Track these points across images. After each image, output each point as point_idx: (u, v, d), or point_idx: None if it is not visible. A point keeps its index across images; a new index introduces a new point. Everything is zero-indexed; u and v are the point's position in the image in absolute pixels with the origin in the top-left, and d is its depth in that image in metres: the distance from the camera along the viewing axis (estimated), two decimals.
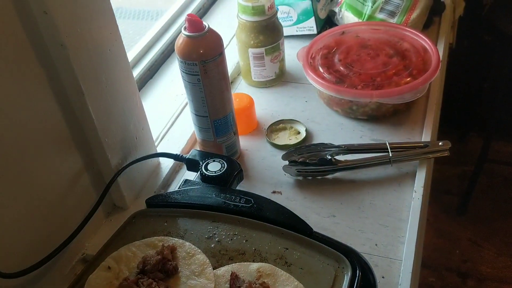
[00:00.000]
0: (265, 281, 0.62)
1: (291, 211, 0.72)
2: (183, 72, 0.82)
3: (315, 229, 0.70)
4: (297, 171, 0.91)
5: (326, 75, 1.04)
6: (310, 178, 0.92)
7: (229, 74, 1.14)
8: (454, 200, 2.19)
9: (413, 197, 0.84)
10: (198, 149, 0.95)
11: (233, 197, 0.75)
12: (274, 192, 0.90)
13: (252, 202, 0.74)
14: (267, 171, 0.95)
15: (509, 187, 2.20)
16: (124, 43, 0.78)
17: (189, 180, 0.83)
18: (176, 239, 0.70)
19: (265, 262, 0.66)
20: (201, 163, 0.83)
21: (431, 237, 2.07)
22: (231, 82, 1.21)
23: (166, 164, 0.95)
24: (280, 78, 1.18)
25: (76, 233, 0.73)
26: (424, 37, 1.08)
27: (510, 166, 2.29)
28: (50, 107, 0.69)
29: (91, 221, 0.79)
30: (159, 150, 0.96)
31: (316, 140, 1.00)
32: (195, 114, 0.88)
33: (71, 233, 0.73)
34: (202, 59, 0.79)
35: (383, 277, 0.72)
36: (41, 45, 0.65)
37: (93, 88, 0.72)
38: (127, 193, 0.85)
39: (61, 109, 0.71)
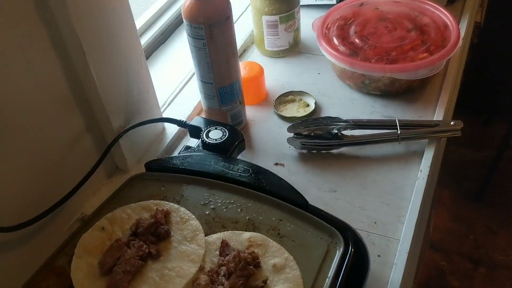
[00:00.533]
0: (255, 251, 0.62)
1: (289, 183, 0.71)
2: (189, 36, 0.81)
3: (314, 204, 0.69)
4: (302, 144, 0.89)
5: (340, 46, 1.01)
6: (314, 151, 0.90)
7: (243, 42, 1.13)
8: (473, 185, 2.14)
9: (418, 176, 0.81)
10: (204, 116, 0.94)
11: (232, 165, 0.74)
12: (276, 164, 0.89)
13: (250, 171, 0.73)
14: (272, 142, 0.93)
15: None
16: (136, 7, 0.77)
17: (190, 146, 0.82)
18: (172, 204, 0.70)
19: (258, 232, 0.65)
20: (203, 130, 0.82)
21: (446, 221, 2.04)
22: (244, 51, 1.19)
23: (171, 130, 0.94)
24: (294, 48, 1.15)
25: (75, 191, 0.73)
26: (446, 13, 1.03)
27: None
28: (52, 66, 0.69)
29: (92, 182, 0.80)
30: (165, 116, 0.95)
31: (325, 114, 0.98)
32: (201, 81, 0.86)
33: (70, 190, 0.73)
34: (208, 22, 0.77)
35: (379, 256, 0.71)
36: (42, 2, 0.64)
37: (96, 48, 0.71)
38: (129, 156, 0.85)
39: (63, 69, 0.70)
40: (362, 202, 0.80)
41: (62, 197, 0.72)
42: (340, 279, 0.58)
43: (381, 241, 0.73)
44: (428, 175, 0.81)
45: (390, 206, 0.78)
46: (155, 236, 0.64)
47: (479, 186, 2.12)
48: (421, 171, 0.82)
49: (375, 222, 0.76)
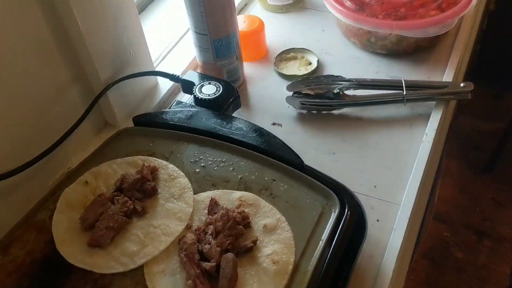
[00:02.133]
0: (246, 210, 0.58)
1: (284, 142, 0.67)
2: None
3: (311, 165, 0.65)
4: (301, 104, 0.84)
5: (346, 1, 0.94)
6: (314, 112, 0.86)
7: None
8: (482, 157, 2.08)
9: (423, 140, 0.77)
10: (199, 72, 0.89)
11: (225, 123, 0.70)
12: (274, 124, 0.85)
13: (244, 129, 0.69)
14: (270, 101, 0.89)
15: None
16: None
17: (182, 102, 0.78)
18: (160, 160, 0.66)
19: (250, 192, 0.61)
20: (196, 85, 0.77)
21: (452, 192, 2.00)
22: (246, 5, 1.12)
23: (164, 85, 0.90)
24: (298, 4, 1.09)
25: (60, 142, 0.70)
26: None
27: None
28: (34, 12, 0.64)
29: (80, 136, 0.76)
30: (158, 70, 0.90)
31: (328, 73, 0.92)
32: (195, 31, 0.81)
33: (55, 141, 0.69)
34: None
35: (377, 220, 0.67)
36: None
37: None
38: (118, 110, 0.81)
39: (45, 15, 0.65)
40: (362, 165, 0.76)
41: (46, 148, 0.68)
42: (334, 242, 0.55)
43: (381, 205, 0.69)
44: (434, 139, 0.77)
45: (392, 170, 0.74)
46: (141, 193, 0.61)
47: (488, 158, 2.07)
48: (426, 134, 0.78)
49: (375, 186, 0.72)
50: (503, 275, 1.73)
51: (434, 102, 0.84)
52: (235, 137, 0.68)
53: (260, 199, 0.60)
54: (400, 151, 0.77)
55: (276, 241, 0.55)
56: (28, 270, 0.55)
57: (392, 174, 0.74)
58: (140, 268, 0.54)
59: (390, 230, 0.66)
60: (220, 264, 0.51)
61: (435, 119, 0.80)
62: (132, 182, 0.61)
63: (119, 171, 0.65)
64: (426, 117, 0.82)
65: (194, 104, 0.76)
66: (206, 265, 0.51)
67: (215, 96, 0.75)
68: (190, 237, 0.55)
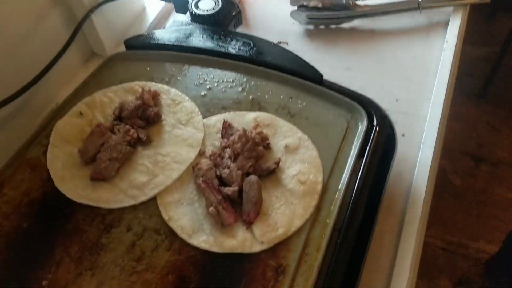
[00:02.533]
0: (264, 131, 0.52)
1: (298, 56, 0.60)
2: None
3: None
4: (308, 18, 0.76)
5: None
6: (322, 27, 0.78)
7: None
8: (476, 83, 2.03)
9: (444, 48, 0.71)
10: None
11: (229, 39, 0.62)
12: (279, 42, 0.77)
13: (251, 45, 0.62)
14: (273, 18, 0.81)
15: None
16: None
17: (178, 21, 0.69)
18: (160, 85, 0.59)
19: (265, 111, 0.55)
20: (191, 1, 0.69)
21: (447, 119, 1.96)
22: None
23: (154, 8, 0.81)
24: None
25: (45, 72, 0.62)
26: None
27: None
28: None
29: (65, 67, 0.68)
30: None
31: None
32: None
33: (39, 72, 0.61)
34: None
35: (403, 135, 0.62)
36: None
37: None
38: (105, 37, 0.72)
39: None
40: (380, 80, 0.69)
41: (30, 79, 0.61)
42: (365, 159, 0.50)
43: (405, 119, 0.64)
44: (456, 46, 0.70)
45: (413, 82, 0.68)
46: (143, 120, 0.54)
47: (482, 84, 2.02)
48: (447, 41, 0.71)
49: (397, 100, 0.66)
50: (502, 198, 1.72)
51: (451, 8, 0.76)
52: (242, 53, 0.61)
53: (278, 118, 0.54)
54: (420, 62, 0.71)
55: (300, 161, 0.50)
56: (27, 211, 0.49)
57: (414, 86, 0.68)
58: (152, 200, 0.49)
59: (418, 145, 0.60)
60: (243, 188, 0.46)
61: (454, 25, 0.73)
62: (133, 109, 0.54)
63: (116, 99, 0.58)
64: (444, 24, 0.75)
65: (191, 21, 0.67)
66: (228, 190, 0.46)
67: (215, 11, 0.66)
68: (206, 162, 0.49)
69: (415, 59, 0.71)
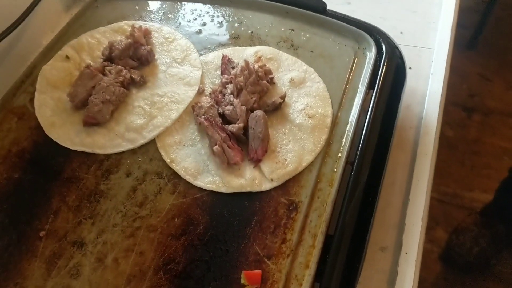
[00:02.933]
0: (267, 63, 0.49)
1: None
2: None
3: None
4: None
5: None
6: None
7: None
8: (465, 34, 1.99)
9: None
10: None
11: None
12: None
13: None
14: None
15: None
16: None
17: None
18: (151, 23, 0.55)
19: (266, 45, 0.51)
20: None
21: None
22: None
23: None
24: None
25: (26, 15, 0.57)
26: None
27: None
28: None
29: (48, 13, 0.63)
30: None
31: None
32: None
33: (19, 17, 0.57)
34: None
35: (410, 68, 0.58)
36: None
37: None
38: None
39: None
40: (383, 12, 0.66)
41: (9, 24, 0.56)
42: (375, 90, 0.47)
43: (411, 52, 0.60)
44: None
45: (417, 13, 0.65)
46: (135, 60, 0.50)
47: (471, 35, 1.98)
48: None
49: (401, 32, 0.63)
50: (494, 147, 1.72)
51: None
52: None
53: (280, 51, 0.50)
54: None
55: (307, 94, 0.47)
56: (17, 161, 0.46)
57: (418, 17, 0.64)
58: (152, 143, 0.46)
59: (426, 77, 0.57)
60: (248, 124, 0.43)
61: None
62: (124, 48, 0.50)
63: (104, 40, 0.54)
64: None
65: None
66: (232, 127, 0.43)
67: None
68: (206, 100, 0.46)
69: None
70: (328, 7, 0.64)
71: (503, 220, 1.31)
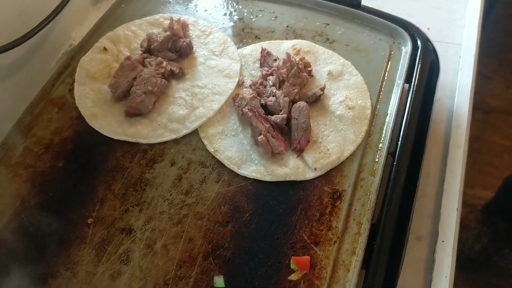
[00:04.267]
0: (305, 56, 0.50)
1: None
2: None
3: None
4: None
5: None
6: None
7: None
8: None
9: None
10: None
11: None
12: None
13: None
14: None
15: None
16: None
17: None
18: (187, 16, 0.56)
19: (302, 39, 0.52)
20: None
21: None
22: None
23: None
24: None
25: (60, 9, 0.57)
26: None
27: None
28: None
29: (76, 8, 0.64)
30: None
31: None
32: None
33: (50, 13, 0.57)
34: None
35: None
36: None
37: None
38: None
39: None
40: (409, 9, 0.67)
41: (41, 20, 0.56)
42: (412, 82, 0.48)
43: (439, 48, 0.60)
44: None
45: (442, 10, 0.66)
46: (174, 52, 0.51)
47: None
48: None
49: (428, 28, 0.64)
50: (495, 145, 1.73)
51: None
52: None
53: (317, 45, 0.51)
54: None
55: (345, 87, 0.48)
56: (60, 150, 0.47)
57: (444, 14, 0.65)
58: (194, 133, 0.46)
59: (455, 72, 0.58)
60: (292, 115, 0.44)
61: None
62: (163, 40, 0.51)
63: (141, 33, 0.54)
64: None
65: None
66: (276, 117, 0.44)
67: None
68: (248, 91, 0.47)
69: None
70: None
71: (504, 217, 1.32)
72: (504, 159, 1.68)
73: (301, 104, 0.44)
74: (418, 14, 0.66)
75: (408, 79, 0.48)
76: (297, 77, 0.46)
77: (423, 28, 0.63)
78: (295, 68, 0.46)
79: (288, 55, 0.47)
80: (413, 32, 0.51)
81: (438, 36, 0.63)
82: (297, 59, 0.47)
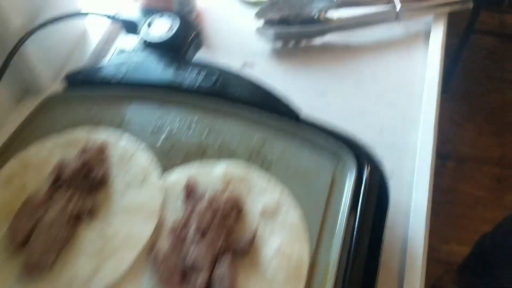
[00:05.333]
0: (237, 186, 0.44)
1: (269, 89, 0.51)
2: None
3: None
4: (275, 34, 0.68)
5: None
6: (291, 44, 0.69)
7: None
8: None
9: (427, 63, 0.64)
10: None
11: (189, 70, 0.53)
12: (244, 65, 0.68)
13: (215, 77, 0.52)
14: (236, 37, 0.71)
15: (492, 60, 2.00)
16: None
17: (125, 50, 0.59)
18: (108, 132, 0.49)
19: (235, 160, 0.46)
20: (142, 22, 0.59)
21: None
22: None
23: (97, 31, 0.70)
24: None
25: None
26: None
27: (495, 37, 2.06)
28: None
29: None
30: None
31: None
32: None
33: None
34: None
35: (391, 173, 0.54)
36: None
37: None
38: (41, 70, 0.61)
39: None
40: (360, 106, 0.62)
41: None
42: (357, 215, 0.42)
43: (393, 154, 0.56)
44: (441, 61, 0.63)
45: (397, 107, 0.61)
46: (87, 185, 0.44)
47: (443, 78, 1.97)
48: (430, 56, 0.64)
49: (381, 129, 0.59)
50: (469, 196, 1.69)
51: (431, 17, 0.69)
52: (205, 88, 0.51)
53: (251, 171, 0.45)
54: (402, 81, 0.64)
55: (282, 227, 0.41)
56: None
57: (398, 111, 0.61)
58: None
59: (409, 186, 0.53)
60: (212, 281, 0.37)
61: (437, 35, 0.67)
62: (74, 171, 0.44)
63: (56, 153, 0.48)
64: (424, 35, 0.69)
65: (142, 49, 0.57)
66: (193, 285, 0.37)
67: (171, 34, 0.56)
68: (165, 243, 0.40)
69: (397, 77, 0.65)
70: (302, 99, 0.59)
71: (479, 278, 1.27)
72: (478, 210, 1.65)
73: (222, 272, 0.37)
74: (371, 111, 0.63)
75: (354, 206, 0.42)
76: (221, 226, 0.39)
77: (375, 128, 0.59)
78: (219, 213, 0.39)
79: (212, 199, 0.40)
80: (358, 152, 0.46)
81: (392, 139, 0.60)
82: (224, 198, 0.41)
